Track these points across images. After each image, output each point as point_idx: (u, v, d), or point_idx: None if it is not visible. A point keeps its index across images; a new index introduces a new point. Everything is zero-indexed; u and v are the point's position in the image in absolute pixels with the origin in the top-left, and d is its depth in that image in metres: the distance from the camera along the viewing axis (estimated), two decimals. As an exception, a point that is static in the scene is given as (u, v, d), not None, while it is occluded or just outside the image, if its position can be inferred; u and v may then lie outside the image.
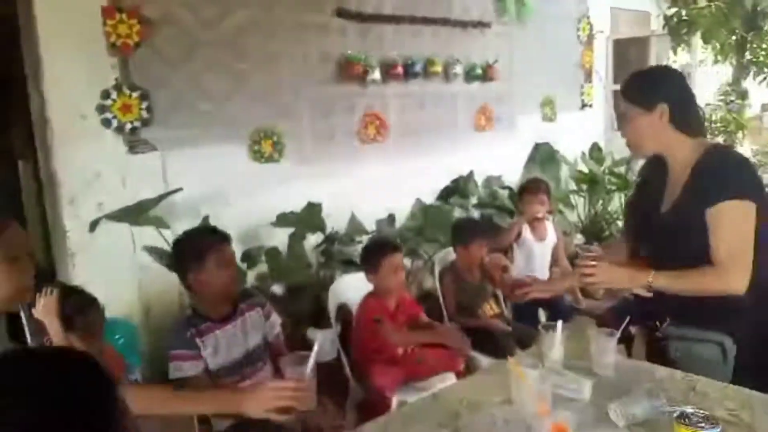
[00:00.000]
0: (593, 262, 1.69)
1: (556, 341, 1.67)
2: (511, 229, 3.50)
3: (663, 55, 5.91)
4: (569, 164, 5.06)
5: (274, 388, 1.33)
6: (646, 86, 1.76)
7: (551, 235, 3.48)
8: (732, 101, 6.61)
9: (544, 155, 4.87)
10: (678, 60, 6.27)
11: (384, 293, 2.48)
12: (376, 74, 3.83)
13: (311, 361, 1.36)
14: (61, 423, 0.73)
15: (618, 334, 1.65)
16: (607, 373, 1.65)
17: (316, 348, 1.36)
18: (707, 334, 1.65)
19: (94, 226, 2.87)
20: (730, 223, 1.60)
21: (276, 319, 2.13)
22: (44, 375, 0.75)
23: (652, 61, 5.62)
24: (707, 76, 7.17)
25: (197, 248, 1.94)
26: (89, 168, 2.90)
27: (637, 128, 1.74)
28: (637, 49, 5.76)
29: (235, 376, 1.95)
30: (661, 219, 1.73)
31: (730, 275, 1.60)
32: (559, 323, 1.68)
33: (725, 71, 7.10)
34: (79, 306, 1.93)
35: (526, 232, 3.41)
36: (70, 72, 2.81)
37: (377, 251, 2.53)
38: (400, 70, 3.95)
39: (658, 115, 1.69)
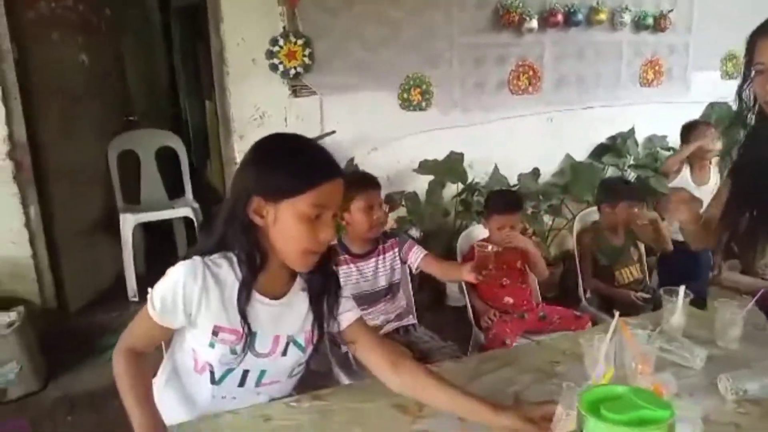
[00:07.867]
0: None
1: (677, 307, 1.61)
2: (676, 154, 3.25)
3: None
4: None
5: None
6: None
7: (713, 180, 3.11)
8: None
9: (719, 116, 4.37)
10: None
11: (492, 243, 2.47)
12: (533, 23, 3.69)
13: None
14: None
15: (748, 307, 1.54)
16: (730, 346, 1.56)
17: None
18: None
19: (258, 160, 3.22)
20: None
21: (418, 249, 2.19)
22: None
23: None
24: None
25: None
26: (257, 108, 3.24)
27: None
28: None
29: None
30: None
31: None
32: (682, 288, 1.60)
33: None
34: None
35: (686, 172, 3.14)
36: (245, 19, 3.14)
37: (494, 202, 2.57)
38: (560, 18, 3.76)
39: None
